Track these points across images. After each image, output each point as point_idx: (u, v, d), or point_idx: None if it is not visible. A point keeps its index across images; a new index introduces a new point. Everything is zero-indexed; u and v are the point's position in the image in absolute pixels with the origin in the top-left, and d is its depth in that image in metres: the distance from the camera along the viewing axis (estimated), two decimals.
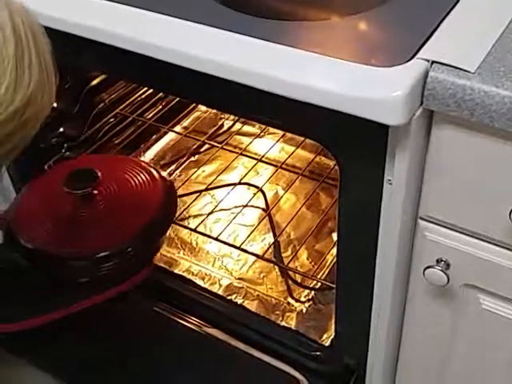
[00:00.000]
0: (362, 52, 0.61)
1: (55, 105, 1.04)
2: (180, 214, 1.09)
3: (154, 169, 0.98)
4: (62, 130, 1.08)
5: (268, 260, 1.00)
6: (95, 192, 0.91)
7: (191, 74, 0.64)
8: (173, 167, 1.22)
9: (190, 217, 1.12)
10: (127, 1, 0.70)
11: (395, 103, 0.55)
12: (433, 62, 0.57)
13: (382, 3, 0.68)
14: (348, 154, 0.65)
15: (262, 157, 1.16)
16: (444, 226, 0.68)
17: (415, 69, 0.57)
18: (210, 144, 1.21)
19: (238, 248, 1.00)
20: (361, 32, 0.66)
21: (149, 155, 1.23)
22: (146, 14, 0.69)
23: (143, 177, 0.96)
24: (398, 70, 0.57)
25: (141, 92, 1.18)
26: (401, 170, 0.63)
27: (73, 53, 0.73)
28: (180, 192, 1.16)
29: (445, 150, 0.61)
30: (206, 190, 1.15)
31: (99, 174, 0.90)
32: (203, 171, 1.21)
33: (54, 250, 0.87)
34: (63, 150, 1.09)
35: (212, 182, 1.16)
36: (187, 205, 1.12)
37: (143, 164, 1.00)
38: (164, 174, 1.01)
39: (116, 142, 1.18)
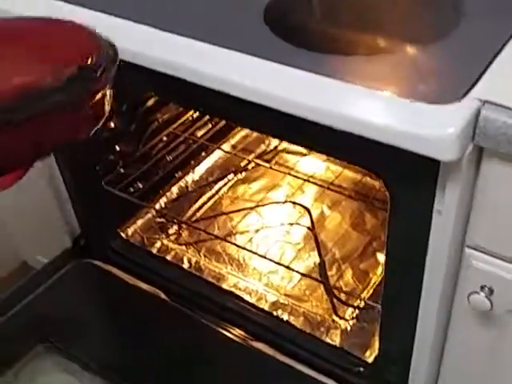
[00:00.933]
0: (417, 88, 0.65)
1: (112, 125, 1.10)
2: (227, 231, 1.14)
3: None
4: (117, 148, 1.13)
5: (314, 278, 1.03)
6: None
7: (254, 106, 0.69)
8: (221, 184, 1.26)
9: (237, 233, 1.16)
10: (190, 33, 0.74)
11: (448, 141, 0.59)
12: (485, 101, 0.60)
13: (437, 39, 0.72)
14: (400, 184, 0.68)
15: (309, 178, 1.20)
16: (489, 255, 0.70)
17: (468, 107, 0.60)
18: (257, 163, 1.25)
19: (286, 266, 1.04)
20: (416, 67, 0.69)
21: (198, 172, 1.28)
22: (205, 46, 0.74)
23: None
24: (451, 108, 0.60)
25: (192, 112, 1.23)
26: (450, 201, 0.66)
27: (132, 80, 0.78)
28: (228, 209, 1.21)
29: (494, 183, 0.64)
30: (253, 208, 1.19)
31: None
32: (250, 188, 1.25)
33: None
34: (118, 167, 1.14)
35: (259, 200, 1.20)
36: (235, 222, 1.17)
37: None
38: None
39: (168, 158, 1.23)
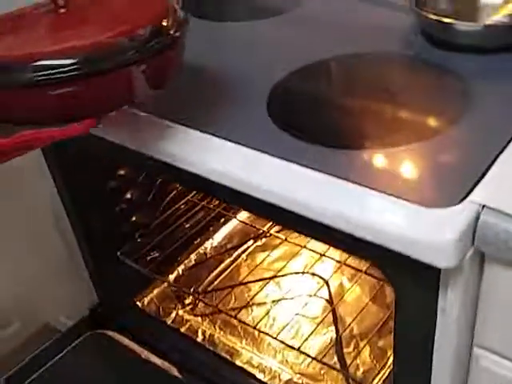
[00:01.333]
0: (413, 187, 0.63)
1: (129, 195, 1.10)
2: (244, 301, 1.12)
3: None
4: (134, 218, 1.13)
5: (327, 365, 1.00)
6: None
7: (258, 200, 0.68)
8: (239, 251, 1.25)
9: (254, 304, 1.14)
10: (197, 125, 0.74)
11: (444, 248, 0.56)
12: (484, 206, 0.57)
13: (441, 130, 0.69)
14: (403, 282, 0.66)
15: (325, 253, 1.17)
16: (499, 355, 0.67)
17: (467, 212, 0.57)
18: (272, 235, 1.24)
19: (297, 350, 1.01)
20: (416, 163, 0.67)
21: (217, 238, 1.27)
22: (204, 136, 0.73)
23: None
24: (449, 212, 0.58)
25: None
26: (454, 301, 0.63)
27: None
28: (247, 277, 1.19)
29: (497, 286, 0.61)
30: (271, 278, 1.17)
31: None
32: (269, 256, 1.23)
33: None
34: (135, 237, 1.14)
35: (278, 269, 1.18)
36: (252, 291, 1.15)
37: None
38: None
39: (186, 226, 1.22)
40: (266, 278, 1.17)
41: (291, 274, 1.18)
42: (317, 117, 0.75)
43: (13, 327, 1.17)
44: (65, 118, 0.65)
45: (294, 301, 1.14)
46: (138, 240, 1.15)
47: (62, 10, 0.70)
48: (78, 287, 1.16)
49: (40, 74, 0.61)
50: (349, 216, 0.61)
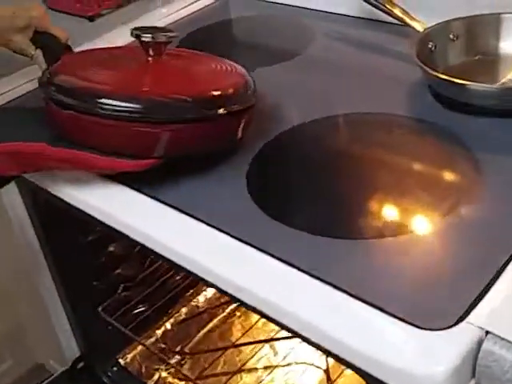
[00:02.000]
0: (399, 298, 0.52)
1: (112, 248, 1.02)
2: (235, 366, 1.03)
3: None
4: (119, 271, 1.05)
5: None
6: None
7: None
8: (233, 306, 1.15)
9: (245, 370, 1.05)
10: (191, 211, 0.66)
11: (435, 381, 0.46)
12: (488, 331, 0.47)
13: (446, 215, 0.60)
14: None
15: None
16: None
17: (465, 336, 0.48)
18: None
19: None
20: (412, 263, 0.57)
21: (210, 290, 1.18)
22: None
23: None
24: (442, 336, 0.48)
25: None
26: None
27: None
28: (239, 338, 1.10)
29: None
30: (266, 341, 1.08)
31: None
32: None
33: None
34: (119, 291, 1.06)
35: (273, 331, 1.09)
36: (243, 355, 1.06)
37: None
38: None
39: (177, 278, 1.14)
40: (259, 341, 1.08)
41: (288, 337, 1.08)
42: (303, 196, 0.66)
43: (5, 364, 1.16)
44: (141, 153, 0.68)
45: (289, 369, 1.04)
46: (122, 294, 1.06)
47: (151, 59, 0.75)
48: (64, 335, 1.09)
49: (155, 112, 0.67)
50: (329, 335, 0.51)
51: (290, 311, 0.54)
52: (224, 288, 0.60)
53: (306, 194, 0.67)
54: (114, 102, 0.66)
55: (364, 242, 0.59)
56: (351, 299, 0.52)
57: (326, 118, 0.77)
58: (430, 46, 0.82)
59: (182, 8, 1.16)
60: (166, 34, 0.75)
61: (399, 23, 0.88)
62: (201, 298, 1.17)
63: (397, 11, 0.89)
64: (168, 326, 1.13)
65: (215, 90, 0.70)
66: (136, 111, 0.66)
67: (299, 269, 0.56)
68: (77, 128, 0.69)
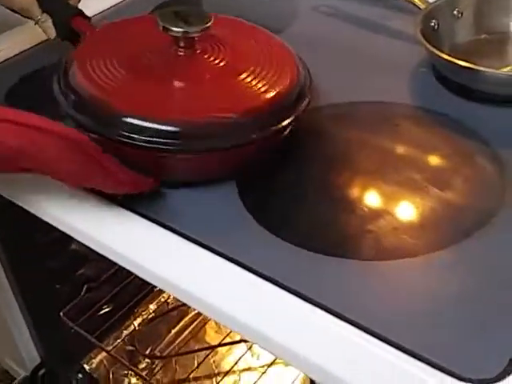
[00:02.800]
0: (421, 338, 0.45)
1: (74, 247, 0.92)
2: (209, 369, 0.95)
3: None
4: (82, 271, 0.95)
5: None
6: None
7: None
8: None
9: (220, 373, 0.97)
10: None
11: None
12: None
13: (458, 241, 0.52)
14: None
15: None
16: None
17: None
18: None
19: None
20: (426, 295, 0.49)
21: None
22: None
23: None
24: None
25: None
26: None
27: None
28: (213, 338, 1.02)
29: None
30: (242, 341, 1.00)
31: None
32: None
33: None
34: (82, 293, 0.96)
35: None
36: (218, 356, 0.98)
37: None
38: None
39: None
40: (235, 342, 1.00)
41: None
42: (302, 206, 0.57)
43: None
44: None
45: (268, 370, 0.97)
46: (86, 295, 0.96)
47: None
48: (22, 341, 0.99)
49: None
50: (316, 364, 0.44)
51: (272, 338, 0.46)
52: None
53: (304, 201, 0.58)
54: (150, 128, 0.54)
55: (369, 262, 0.51)
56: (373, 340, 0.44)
57: (316, 109, 0.66)
58: (432, 23, 0.73)
59: None
60: (200, 26, 0.59)
61: None
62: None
63: None
64: (135, 325, 1.04)
65: (274, 97, 0.58)
66: (175, 138, 0.55)
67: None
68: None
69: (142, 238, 0.56)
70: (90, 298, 0.97)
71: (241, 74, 0.60)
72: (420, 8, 0.75)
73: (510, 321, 0.45)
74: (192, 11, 0.61)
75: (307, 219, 0.56)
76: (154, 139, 0.54)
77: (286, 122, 0.58)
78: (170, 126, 0.55)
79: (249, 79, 0.59)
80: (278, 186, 0.59)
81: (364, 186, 0.59)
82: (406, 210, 0.56)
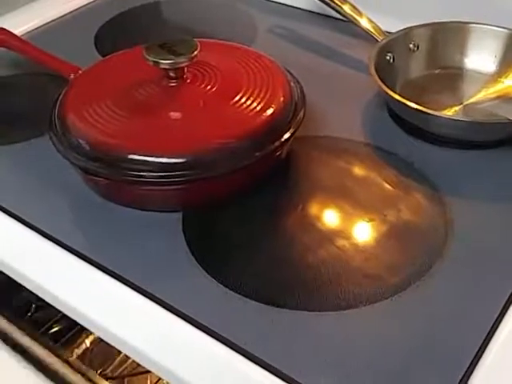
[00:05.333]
0: None
1: None
2: None
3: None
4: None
5: None
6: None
7: None
8: None
9: None
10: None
11: None
12: None
13: (401, 289, 0.51)
14: None
15: None
16: None
17: None
18: None
19: None
20: (373, 342, 0.49)
21: None
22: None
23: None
24: None
25: None
26: None
27: None
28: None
29: None
30: None
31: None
32: None
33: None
34: (30, 314, 0.94)
35: None
36: None
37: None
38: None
39: None
40: None
41: None
42: (245, 249, 0.56)
43: None
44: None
45: None
46: (35, 315, 0.94)
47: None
48: None
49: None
50: None
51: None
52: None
53: (249, 247, 0.57)
54: (155, 163, 0.56)
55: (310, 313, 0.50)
56: None
57: None
58: (388, 57, 0.73)
59: None
60: (188, 55, 0.60)
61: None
62: None
63: (347, 9, 0.79)
64: (87, 344, 1.02)
65: (266, 118, 0.59)
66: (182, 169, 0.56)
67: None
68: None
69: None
70: (39, 317, 0.95)
71: (234, 97, 0.60)
72: (377, 40, 0.74)
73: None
74: (176, 41, 0.62)
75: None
76: (160, 173, 0.55)
77: (287, 135, 0.60)
78: (176, 158, 0.56)
79: (243, 100, 0.60)
80: (221, 229, 0.58)
81: (299, 230, 0.58)
82: (345, 258, 0.56)
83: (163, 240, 0.57)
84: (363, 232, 0.58)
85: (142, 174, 0.55)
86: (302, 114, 0.62)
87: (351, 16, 0.78)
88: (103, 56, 0.81)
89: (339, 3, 0.79)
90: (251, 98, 0.61)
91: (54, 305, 0.55)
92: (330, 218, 0.59)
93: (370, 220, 0.58)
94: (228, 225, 0.59)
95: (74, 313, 0.53)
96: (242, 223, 0.59)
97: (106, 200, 0.60)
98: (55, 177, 0.64)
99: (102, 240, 0.58)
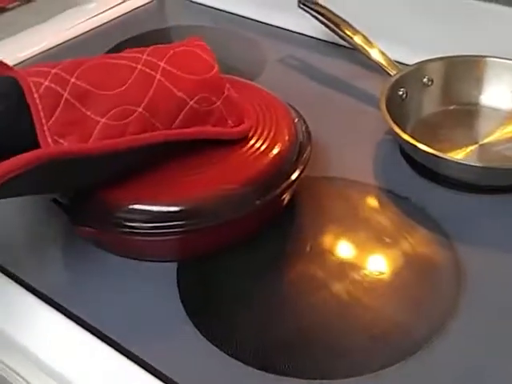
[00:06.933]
0: None
1: None
2: None
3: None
4: None
5: None
6: None
7: None
8: None
9: None
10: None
11: None
12: None
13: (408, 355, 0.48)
14: None
15: None
16: None
17: None
18: None
19: None
20: None
21: None
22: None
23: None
24: None
25: None
26: None
27: None
28: None
29: None
30: None
31: None
32: None
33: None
34: None
35: None
36: None
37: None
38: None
39: None
40: None
41: None
42: (248, 310, 0.53)
43: None
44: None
45: None
46: None
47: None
48: None
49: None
50: None
51: None
52: None
53: (254, 308, 0.53)
54: (153, 214, 0.52)
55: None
56: None
57: None
58: (400, 92, 0.70)
59: (110, 8, 0.99)
60: None
61: None
62: None
63: (358, 40, 0.76)
64: None
65: (270, 161, 0.56)
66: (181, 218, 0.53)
67: None
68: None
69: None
70: None
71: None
72: (390, 74, 0.71)
73: None
74: None
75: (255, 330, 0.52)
76: (156, 224, 0.52)
77: (292, 177, 0.57)
78: (173, 206, 0.52)
79: (245, 141, 0.57)
80: (219, 287, 0.55)
81: (302, 282, 0.55)
82: (352, 314, 0.53)
83: (154, 293, 0.54)
84: (370, 284, 0.55)
85: (136, 224, 0.52)
86: (307, 154, 0.59)
87: (362, 47, 0.75)
88: None
89: (350, 34, 0.76)
90: (254, 139, 0.58)
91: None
92: (335, 267, 0.56)
93: (378, 271, 0.55)
94: (226, 276, 0.55)
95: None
96: (241, 273, 0.56)
97: (97, 248, 0.57)
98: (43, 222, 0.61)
99: (84, 288, 0.54)
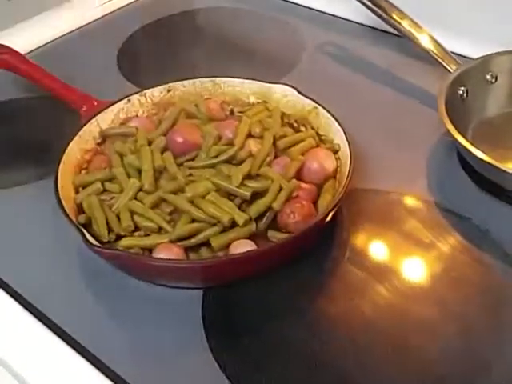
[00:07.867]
0: None
1: None
2: None
3: None
4: None
5: None
6: None
7: None
8: None
9: None
10: None
11: None
12: None
13: None
14: None
15: None
16: None
17: None
18: None
19: None
20: None
21: None
22: None
23: None
24: None
25: None
26: None
27: None
28: None
29: None
30: None
31: None
32: None
33: None
34: None
35: None
36: None
37: None
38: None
39: None
40: None
41: None
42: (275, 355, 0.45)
43: None
44: None
45: None
46: None
47: None
48: None
49: None
50: None
51: None
52: None
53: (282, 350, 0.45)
54: None
55: None
56: None
57: None
58: (460, 91, 0.60)
59: None
60: None
61: None
62: None
63: (406, 25, 0.66)
64: None
65: None
66: None
67: None
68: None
69: None
70: None
71: None
72: (448, 69, 0.61)
73: None
74: None
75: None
76: None
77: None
78: None
79: None
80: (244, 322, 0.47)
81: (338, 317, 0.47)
82: (400, 360, 0.44)
83: (177, 324, 0.46)
84: (423, 324, 0.46)
85: None
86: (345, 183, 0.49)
87: (411, 34, 0.65)
88: (126, 77, 0.71)
89: (398, 19, 0.66)
90: None
91: None
92: (379, 305, 0.47)
93: (434, 311, 0.47)
94: (254, 305, 0.47)
95: None
96: (270, 303, 0.47)
97: (117, 269, 0.49)
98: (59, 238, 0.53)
99: (100, 319, 0.47)
